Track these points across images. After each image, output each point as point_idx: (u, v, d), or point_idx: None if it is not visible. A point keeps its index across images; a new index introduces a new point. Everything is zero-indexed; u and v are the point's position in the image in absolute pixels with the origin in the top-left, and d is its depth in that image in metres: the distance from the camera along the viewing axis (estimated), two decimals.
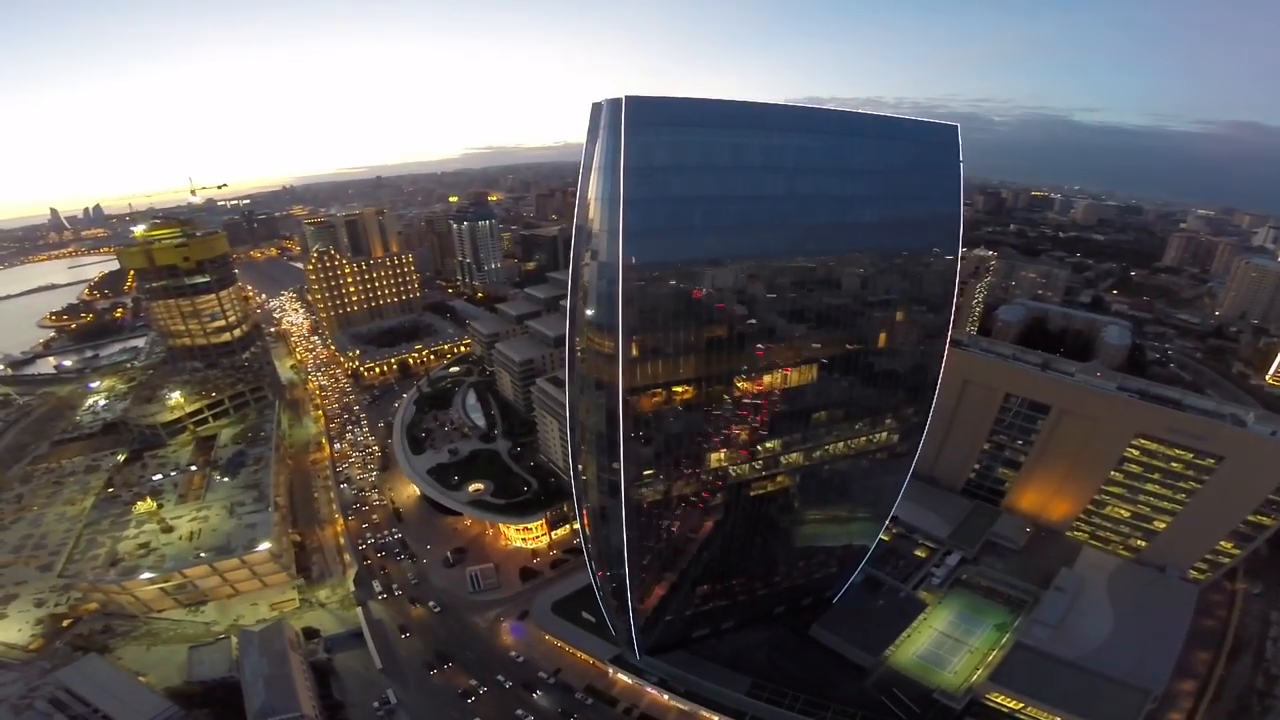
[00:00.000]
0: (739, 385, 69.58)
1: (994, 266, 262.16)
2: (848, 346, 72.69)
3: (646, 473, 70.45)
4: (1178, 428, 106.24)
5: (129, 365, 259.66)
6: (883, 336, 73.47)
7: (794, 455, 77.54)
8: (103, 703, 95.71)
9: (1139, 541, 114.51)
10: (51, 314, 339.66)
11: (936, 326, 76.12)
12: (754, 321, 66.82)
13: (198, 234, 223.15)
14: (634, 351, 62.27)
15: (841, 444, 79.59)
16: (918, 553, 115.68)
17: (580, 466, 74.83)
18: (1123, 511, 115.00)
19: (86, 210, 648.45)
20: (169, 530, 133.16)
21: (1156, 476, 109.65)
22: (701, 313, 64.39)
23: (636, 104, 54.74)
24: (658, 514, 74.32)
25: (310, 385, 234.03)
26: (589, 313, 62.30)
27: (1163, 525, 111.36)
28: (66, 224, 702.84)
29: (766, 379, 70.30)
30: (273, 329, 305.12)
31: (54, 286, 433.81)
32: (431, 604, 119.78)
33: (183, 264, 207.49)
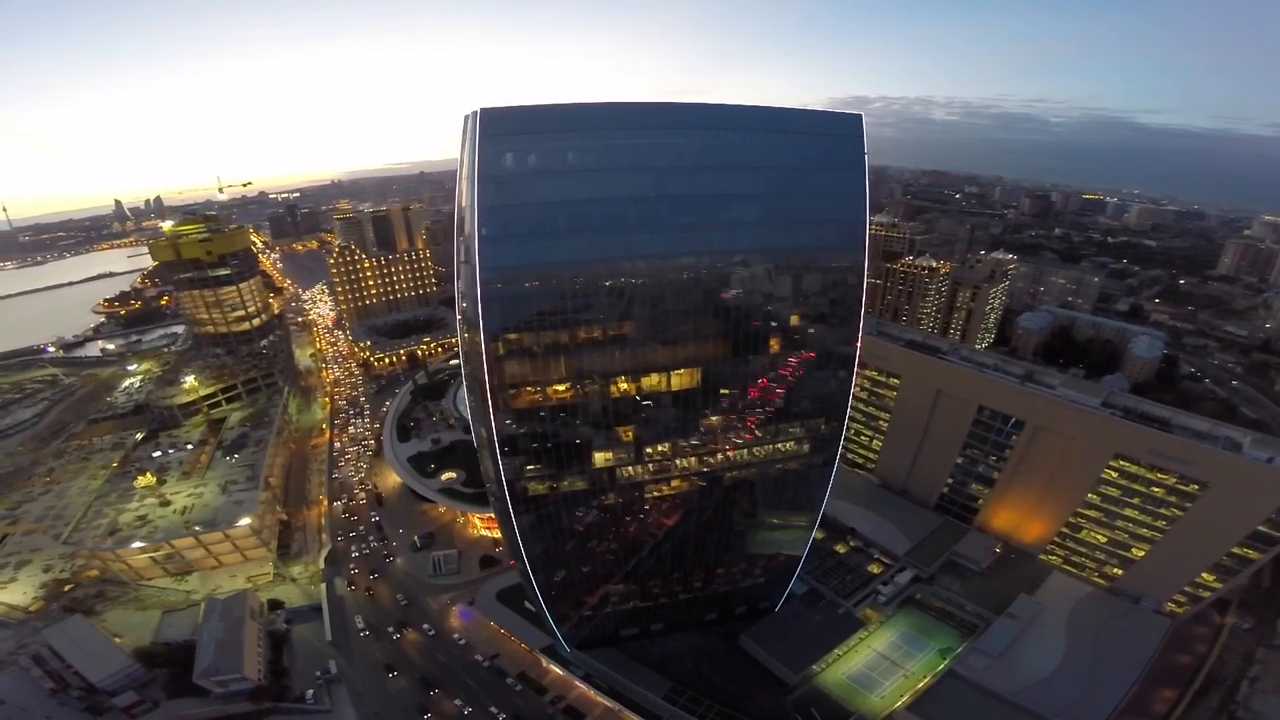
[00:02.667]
0: (617, 386, 69.35)
1: (1013, 271, 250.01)
2: (736, 351, 70.84)
3: (529, 468, 71.42)
4: (1159, 450, 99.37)
5: (166, 350, 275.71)
6: (775, 342, 71.21)
7: (689, 460, 76.53)
8: (76, 660, 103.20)
9: (1115, 569, 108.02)
10: (105, 300, 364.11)
11: (843, 332, 73.17)
12: (627, 323, 66.51)
13: (225, 229, 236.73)
14: (500, 350, 63.84)
15: (743, 451, 77.90)
16: (872, 568, 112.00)
17: (480, 460, 76.35)
18: (1099, 537, 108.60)
19: (147, 201, 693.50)
20: (166, 504, 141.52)
21: (1136, 501, 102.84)
22: (570, 314, 64.81)
23: (489, 115, 56.58)
24: (548, 510, 75.26)
25: (324, 374, 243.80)
26: (464, 313, 63.70)
27: (1141, 554, 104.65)
28: (129, 214, 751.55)
29: (647, 381, 69.70)
30: (299, 319, 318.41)
31: (111, 274, 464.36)
32: (425, 626, 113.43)
33: (206, 257, 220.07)
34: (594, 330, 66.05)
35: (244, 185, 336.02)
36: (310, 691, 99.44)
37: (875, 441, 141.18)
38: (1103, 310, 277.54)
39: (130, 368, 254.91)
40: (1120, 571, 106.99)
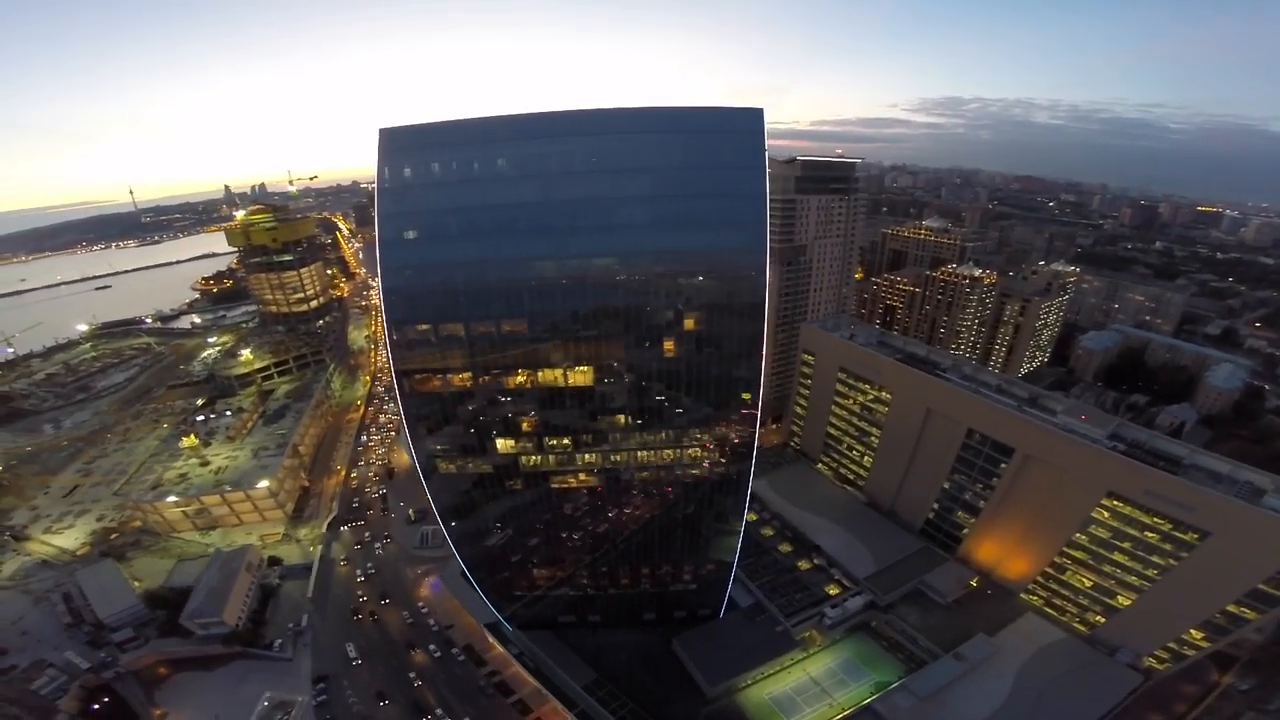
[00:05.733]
0: (513, 379, 72.58)
1: (1076, 284, 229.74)
2: (630, 353, 71.32)
3: (437, 447, 76.82)
4: (1156, 491, 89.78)
5: (244, 326, 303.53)
6: (670, 344, 70.59)
7: (591, 456, 78.35)
8: (94, 598, 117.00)
9: (1096, 616, 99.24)
10: (202, 278, 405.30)
11: (744, 336, 70.98)
12: (520, 321, 69.33)
13: (291, 219, 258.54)
14: (400, 339, 69.99)
15: (647, 453, 78.48)
16: (830, 589, 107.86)
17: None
18: (1084, 580, 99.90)
19: (253, 188, 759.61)
20: (205, 464, 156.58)
21: (1127, 545, 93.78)
22: (464, 310, 68.92)
23: (389, 134, 63.56)
24: (459, 489, 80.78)
25: (374, 355, 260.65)
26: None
27: (1126, 602, 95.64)
28: (236, 199, 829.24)
29: (543, 375, 72.25)
30: (363, 303, 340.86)
31: (213, 255, 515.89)
32: (431, 647, 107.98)
33: (271, 244, 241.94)
34: (487, 326, 69.73)
35: (310, 178, 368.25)
36: (279, 641, 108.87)
37: (866, 458, 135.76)
38: (1188, 333, 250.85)
39: (211, 340, 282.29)
40: (1102, 619, 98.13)
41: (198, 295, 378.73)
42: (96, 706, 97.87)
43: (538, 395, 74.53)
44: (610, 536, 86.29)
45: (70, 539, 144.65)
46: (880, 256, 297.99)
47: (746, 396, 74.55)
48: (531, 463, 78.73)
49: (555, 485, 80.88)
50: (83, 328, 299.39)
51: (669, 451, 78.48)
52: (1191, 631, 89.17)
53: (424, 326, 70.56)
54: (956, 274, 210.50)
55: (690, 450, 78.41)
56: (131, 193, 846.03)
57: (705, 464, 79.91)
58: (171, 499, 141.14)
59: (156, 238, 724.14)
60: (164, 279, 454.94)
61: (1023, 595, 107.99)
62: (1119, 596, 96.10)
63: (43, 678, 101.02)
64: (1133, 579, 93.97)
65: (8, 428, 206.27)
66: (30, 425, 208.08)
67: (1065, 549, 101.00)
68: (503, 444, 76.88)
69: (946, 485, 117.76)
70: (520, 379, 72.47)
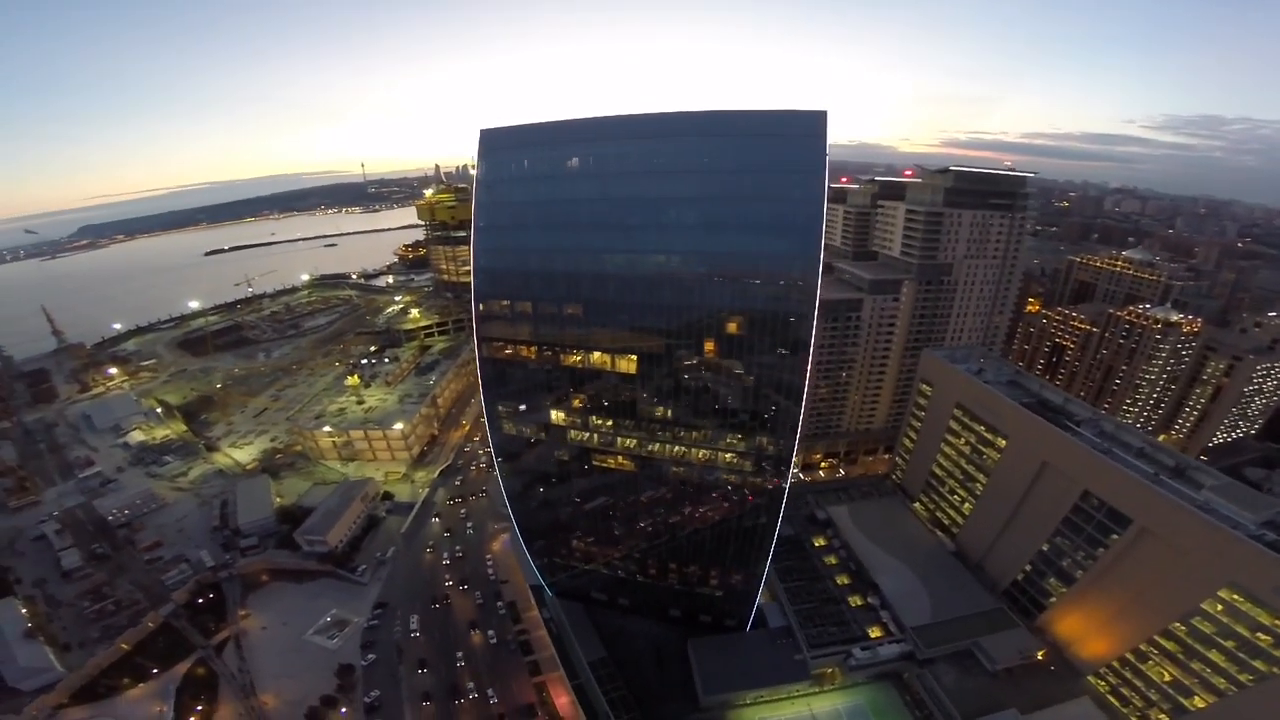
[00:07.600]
0: (568, 356, 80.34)
1: None
2: (671, 348, 74.23)
3: (502, 408, 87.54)
4: None
5: (424, 289, 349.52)
6: (710, 345, 71.71)
7: (629, 440, 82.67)
8: (240, 505, 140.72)
9: (1161, 715, 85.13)
10: (402, 245, 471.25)
11: (788, 345, 69.18)
12: (579, 304, 76.24)
13: (469, 199, 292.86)
14: (483, 310, 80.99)
15: (681, 449, 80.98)
16: (873, 630, 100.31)
17: None
18: (1164, 673, 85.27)
19: (457, 168, 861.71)
20: (361, 403, 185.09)
21: (1230, 644, 78.22)
22: (534, 291, 77.80)
23: (486, 133, 74.95)
24: (518, 447, 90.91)
25: None
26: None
27: (1201, 704, 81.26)
28: (443, 178, 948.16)
29: (593, 357, 78.74)
30: None
31: (416, 225, 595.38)
32: (490, 634, 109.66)
33: (450, 220, 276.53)
34: (550, 307, 78.35)
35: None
36: (363, 567, 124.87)
37: (966, 505, 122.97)
38: None
39: (396, 298, 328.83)
40: (1165, 718, 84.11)
41: (396, 259, 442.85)
42: (201, 600, 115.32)
43: (588, 375, 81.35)
44: (641, 524, 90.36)
45: (246, 454, 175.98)
46: (1063, 286, 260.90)
47: (790, 405, 73.87)
48: (578, 437, 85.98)
49: (596, 463, 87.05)
50: (305, 277, 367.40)
51: (703, 451, 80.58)
52: None
53: (504, 303, 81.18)
54: (1147, 316, 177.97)
55: (725, 455, 79.74)
56: (362, 166, 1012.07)
57: (739, 471, 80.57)
58: (326, 429, 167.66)
59: (377, 206, 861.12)
60: (376, 243, 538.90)
61: (1090, 679, 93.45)
62: (1196, 697, 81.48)
63: (175, 570, 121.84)
64: (1220, 680, 79.19)
65: (234, 352, 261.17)
66: (249, 353, 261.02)
67: (1156, 637, 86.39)
68: (555, 415, 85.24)
69: (1045, 547, 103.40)
70: (575, 358, 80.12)
